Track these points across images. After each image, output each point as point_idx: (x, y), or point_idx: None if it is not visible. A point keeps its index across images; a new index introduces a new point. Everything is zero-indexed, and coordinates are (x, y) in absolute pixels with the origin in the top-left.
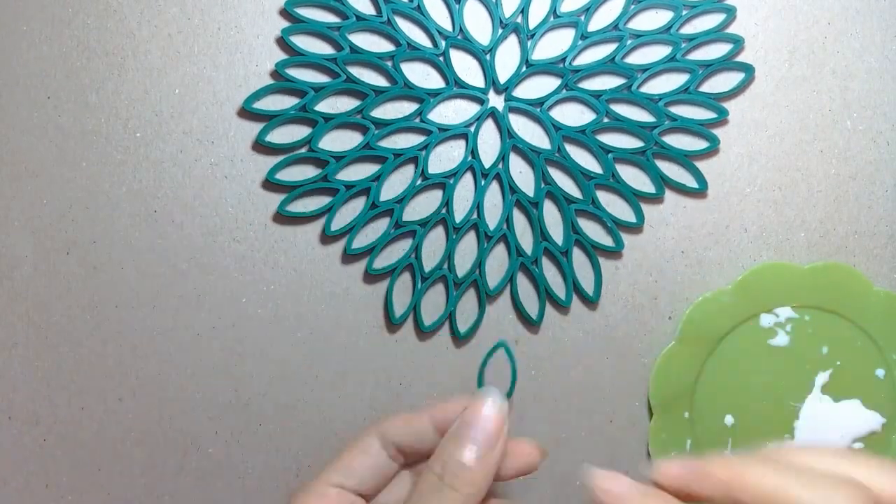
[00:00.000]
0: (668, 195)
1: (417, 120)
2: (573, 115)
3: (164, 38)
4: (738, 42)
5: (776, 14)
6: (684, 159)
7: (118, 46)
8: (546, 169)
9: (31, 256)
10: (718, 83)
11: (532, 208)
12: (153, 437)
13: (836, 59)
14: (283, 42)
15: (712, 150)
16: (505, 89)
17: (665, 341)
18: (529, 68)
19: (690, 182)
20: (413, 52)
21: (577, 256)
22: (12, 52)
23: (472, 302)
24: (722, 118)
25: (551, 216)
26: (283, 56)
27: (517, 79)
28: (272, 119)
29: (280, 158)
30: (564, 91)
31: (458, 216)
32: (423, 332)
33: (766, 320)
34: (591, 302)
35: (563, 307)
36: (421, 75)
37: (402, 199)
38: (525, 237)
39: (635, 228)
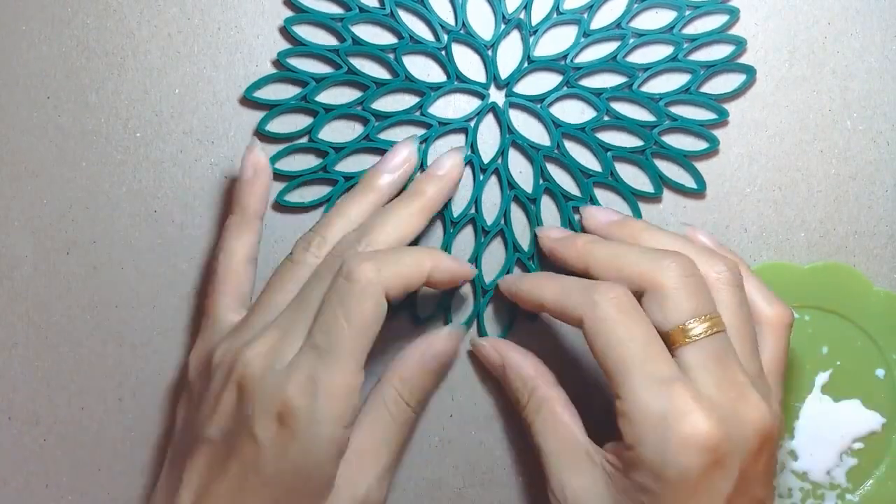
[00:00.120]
0: (668, 195)
1: (418, 113)
2: (573, 112)
3: (164, 38)
4: (740, 43)
5: (776, 14)
6: (683, 159)
7: (118, 46)
8: (545, 165)
9: (31, 256)
10: (720, 84)
11: (530, 204)
12: (153, 438)
13: (836, 59)
14: (285, 32)
15: (712, 150)
16: (506, 85)
17: None
18: (531, 64)
19: (689, 182)
20: (415, 46)
21: None
22: (12, 52)
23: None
24: (722, 119)
25: (549, 213)
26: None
27: (518, 74)
28: (272, 108)
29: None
30: (565, 88)
31: (456, 210)
32: (417, 326)
33: None
34: None
35: None
36: (422, 69)
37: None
38: (524, 234)
39: None
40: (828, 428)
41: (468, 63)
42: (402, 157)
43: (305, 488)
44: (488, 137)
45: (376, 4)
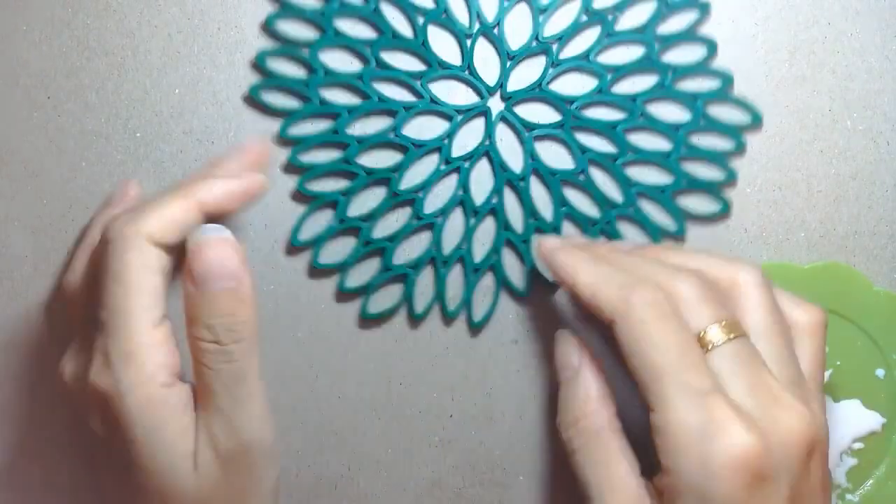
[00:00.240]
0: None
1: (446, 141)
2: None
3: (164, 38)
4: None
5: (776, 14)
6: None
7: (118, 46)
8: (534, 150)
9: (31, 256)
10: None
11: (519, 182)
12: None
13: (836, 59)
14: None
15: (729, 181)
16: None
17: None
18: (512, 61)
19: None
20: (443, 71)
21: None
22: (12, 52)
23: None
24: (739, 150)
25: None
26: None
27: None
28: (288, 116)
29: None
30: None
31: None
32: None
33: None
34: None
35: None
36: (446, 91)
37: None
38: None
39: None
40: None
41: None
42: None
43: (165, 455)
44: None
45: (409, 32)
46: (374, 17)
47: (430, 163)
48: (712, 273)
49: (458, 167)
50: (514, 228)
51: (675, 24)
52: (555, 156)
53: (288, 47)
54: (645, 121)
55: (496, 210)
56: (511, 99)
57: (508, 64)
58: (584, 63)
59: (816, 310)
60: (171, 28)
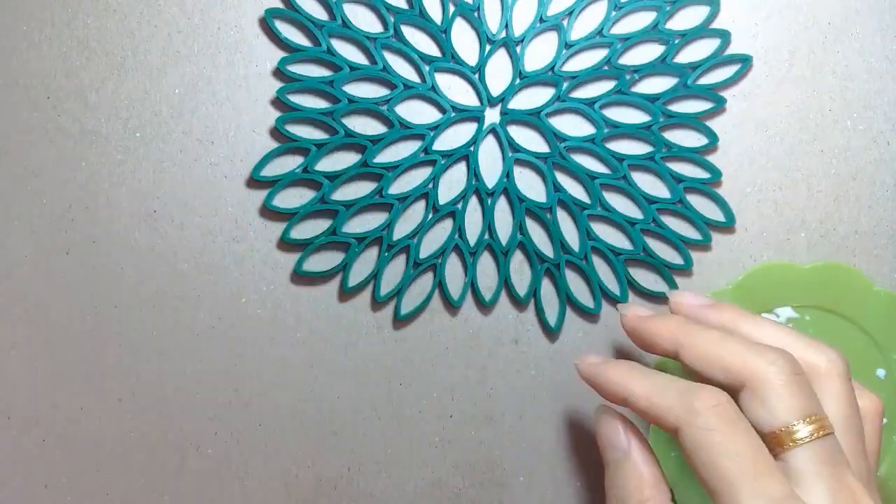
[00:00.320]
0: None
1: (423, 154)
2: (571, 123)
3: (164, 38)
4: (724, 36)
5: (776, 14)
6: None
7: (118, 46)
8: (553, 174)
9: (31, 256)
10: (716, 77)
11: (545, 213)
12: (153, 438)
13: (836, 59)
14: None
15: (711, 146)
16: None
17: None
18: (522, 80)
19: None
20: (408, 91)
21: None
22: (12, 52)
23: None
24: (720, 107)
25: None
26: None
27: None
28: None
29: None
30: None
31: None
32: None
33: None
34: (592, 309)
35: (588, 312)
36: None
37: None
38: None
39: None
40: None
41: (461, 92)
42: None
43: None
44: (491, 163)
45: (367, 62)
46: (382, 74)
47: (413, 146)
48: (795, 354)
49: (435, 160)
50: (467, 239)
51: (686, 55)
52: (528, 182)
53: (306, 82)
54: (626, 183)
55: (455, 213)
56: (508, 115)
57: (518, 82)
58: (586, 108)
59: (875, 397)
60: (171, 28)
